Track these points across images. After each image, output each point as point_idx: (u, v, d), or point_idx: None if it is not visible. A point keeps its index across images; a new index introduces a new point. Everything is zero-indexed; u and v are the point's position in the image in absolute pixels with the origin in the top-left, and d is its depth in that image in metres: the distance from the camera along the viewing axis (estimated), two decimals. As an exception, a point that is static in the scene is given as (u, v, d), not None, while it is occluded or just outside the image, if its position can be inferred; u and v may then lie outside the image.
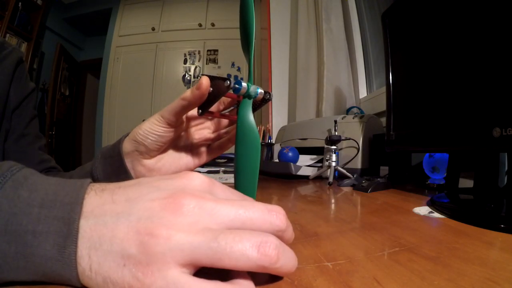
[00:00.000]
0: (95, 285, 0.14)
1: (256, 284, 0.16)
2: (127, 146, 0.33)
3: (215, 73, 2.68)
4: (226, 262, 0.14)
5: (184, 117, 0.33)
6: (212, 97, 0.29)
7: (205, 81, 0.27)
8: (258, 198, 0.27)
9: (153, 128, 0.31)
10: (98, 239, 0.14)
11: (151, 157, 0.34)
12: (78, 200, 0.15)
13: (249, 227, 0.16)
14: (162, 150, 0.34)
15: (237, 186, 0.27)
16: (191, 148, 0.37)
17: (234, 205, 0.16)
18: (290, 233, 0.18)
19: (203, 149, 0.38)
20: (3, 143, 0.45)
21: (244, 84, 0.27)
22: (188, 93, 0.29)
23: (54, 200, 0.15)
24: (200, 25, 2.78)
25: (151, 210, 0.15)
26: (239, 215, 0.16)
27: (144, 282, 0.13)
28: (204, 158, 0.37)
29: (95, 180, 0.34)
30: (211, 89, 0.28)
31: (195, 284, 0.14)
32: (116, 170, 0.34)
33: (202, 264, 0.14)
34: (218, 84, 0.28)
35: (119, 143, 0.34)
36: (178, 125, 0.32)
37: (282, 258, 0.15)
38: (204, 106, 0.30)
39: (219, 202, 0.16)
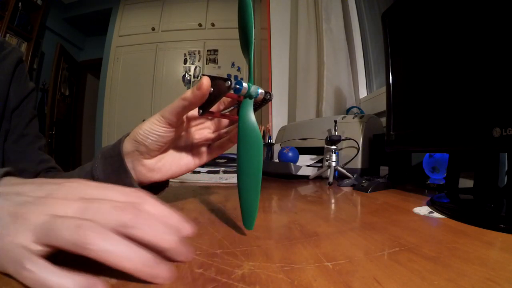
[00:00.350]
0: None
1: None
2: (127, 146, 0.33)
3: (215, 73, 2.68)
4: (60, 241, 0.16)
5: (184, 117, 0.33)
6: (212, 97, 0.29)
7: (206, 81, 0.27)
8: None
9: (154, 128, 0.31)
10: None
11: (152, 157, 0.34)
12: None
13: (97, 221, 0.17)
14: (163, 150, 0.34)
15: (240, 185, 0.27)
16: (191, 148, 0.37)
17: (84, 201, 0.19)
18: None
19: (204, 149, 0.38)
20: (3, 143, 0.45)
21: (245, 84, 0.27)
22: (188, 93, 0.28)
23: None
24: (200, 25, 2.78)
25: (26, 202, 0.19)
26: (86, 208, 0.18)
27: (2, 246, 0.17)
28: (204, 158, 0.38)
29: (95, 179, 0.34)
30: (212, 89, 0.28)
31: (30, 256, 0.16)
32: (116, 170, 0.34)
33: (46, 242, 0.16)
34: (219, 84, 0.28)
35: (119, 143, 0.34)
36: (179, 125, 0.32)
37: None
38: (205, 106, 0.31)
39: (77, 200, 0.19)
